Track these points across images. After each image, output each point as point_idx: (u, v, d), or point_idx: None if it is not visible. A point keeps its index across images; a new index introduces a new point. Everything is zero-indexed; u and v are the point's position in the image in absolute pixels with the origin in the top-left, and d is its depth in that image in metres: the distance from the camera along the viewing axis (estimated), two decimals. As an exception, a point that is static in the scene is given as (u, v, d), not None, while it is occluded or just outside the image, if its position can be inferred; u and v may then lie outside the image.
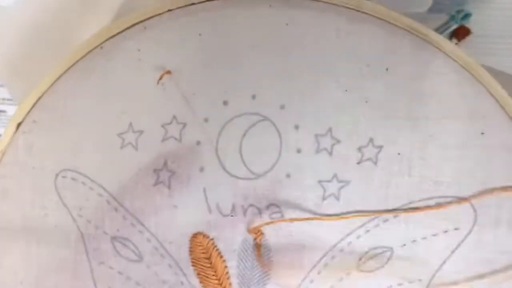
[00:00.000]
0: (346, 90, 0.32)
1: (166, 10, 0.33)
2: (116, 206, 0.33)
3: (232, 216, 0.33)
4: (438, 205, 0.32)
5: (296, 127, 0.33)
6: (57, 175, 0.34)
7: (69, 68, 0.34)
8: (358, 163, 0.33)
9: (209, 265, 0.34)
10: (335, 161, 0.33)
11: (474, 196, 0.32)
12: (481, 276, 0.32)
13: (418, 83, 0.32)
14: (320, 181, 0.33)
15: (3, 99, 0.42)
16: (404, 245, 0.33)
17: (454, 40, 0.40)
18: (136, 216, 0.33)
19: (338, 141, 0.33)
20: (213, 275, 0.33)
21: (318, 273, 0.33)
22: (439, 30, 0.40)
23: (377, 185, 0.33)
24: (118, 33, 0.33)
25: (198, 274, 0.34)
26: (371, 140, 0.32)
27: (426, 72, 0.32)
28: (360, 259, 0.33)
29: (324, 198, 0.33)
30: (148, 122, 0.33)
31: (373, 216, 0.33)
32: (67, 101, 0.34)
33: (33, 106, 0.34)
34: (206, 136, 0.33)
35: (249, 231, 0.33)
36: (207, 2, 0.33)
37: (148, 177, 0.33)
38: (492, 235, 0.32)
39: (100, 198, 0.34)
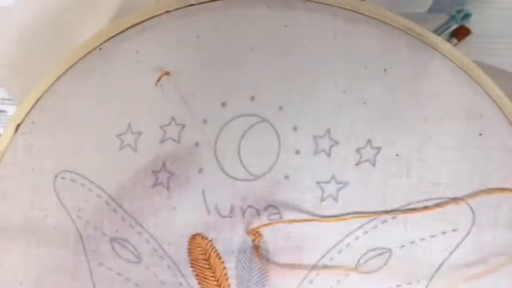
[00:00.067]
0: (344, 91, 0.32)
1: (165, 11, 0.33)
2: (115, 207, 0.33)
3: (230, 217, 0.33)
4: (436, 206, 0.32)
5: (295, 128, 0.33)
6: (56, 176, 0.34)
7: (68, 69, 0.34)
8: (357, 164, 0.33)
9: (207, 266, 0.34)
10: (333, 162, 0.33)
11: (472, 197, 0.32)
12: (479, 277, 0.33)
13: (416, 84, 0.32)
14: (318, 183, 0.33)
15: (3, 99, 0.42)
16: (403, 246, 0.33)
17: (454, 40, 0.40)
18: (135, 217, 0.33)
19: (337, 143, 0.33)
20: (212, 276, 0.33)
21: (317, 274, 0.33)
22: (439, 30, 0.40)
23: (375, 187, 0.33)
24: (117, 34, 0.33)
25: (197, 275, 0.34)
26: (369, 141, 0.32)
27: (423, 73, 0.32)
28: (358, 260, 0.33)
29: (322, 200, 0.33)
30: (146, 123, 0.33)
31: (371, 218, 0.33)
32: (66, 102, 0.34)
33: (32, 107, 0.34)
34: (204, 138, 0.33)
35: (248, 232, 0.33)
36: (205, 3, 0.33)
37: (146, 178, 0.33)
38: (490, 236, 0.33)
39: (99, 199, 0.34)
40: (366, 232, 0.33)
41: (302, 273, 0.33)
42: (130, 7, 0.39)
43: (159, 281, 0.34)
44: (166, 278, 0.34)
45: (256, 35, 0.32)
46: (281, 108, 0.33)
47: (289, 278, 0.33)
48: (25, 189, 0.34)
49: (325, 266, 0.33)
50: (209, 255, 0.33)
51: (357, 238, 0.33)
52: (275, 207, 0.33)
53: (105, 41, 0.33)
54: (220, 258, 0.33)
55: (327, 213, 0.33)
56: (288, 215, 0.33)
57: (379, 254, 0.33)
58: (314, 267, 0.33)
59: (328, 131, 0.33)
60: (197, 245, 0.34)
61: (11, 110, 0.43)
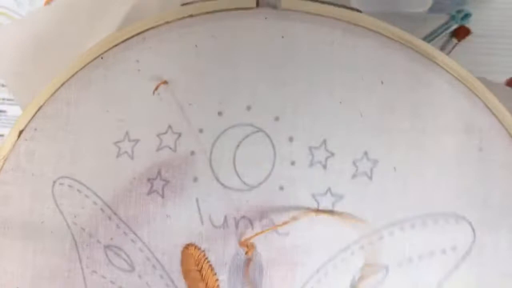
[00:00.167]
0: (340, 103, 0.32)
1: (165, 21, 0.33)
2: (110, 215, 0.34)
3: (224, 228, 0.33)
4: (435, 223, 0.31)
5: (290, 139, 0.32)
6: (54, 182, 0.34)
7: (70, 77, 0.35)
8: (353, 177, 0.32)
9: (200, 278, 0.33)
10: (329, 174, 0.32)
11: (472, 214, 0.31)
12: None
13: (413, 96, 0.32)
14: (313, 195, 0.32)
15: (3, 99, 0.43)
16: (400, 263, 0.32)
17: (454, 40, 0.40)
18: (129, 225, 0.33)
19: (333, 154, 0.32)
20: (204, 288, 0.33)
21: (311, 289, 0.32)
22: (439, 30, 0.40)
23: (371, 201, 0.32)
24: (118, 43, 0.34)
25: (189, 286, 0.33)
26: (365, 153, 0.32)
27: (421, 85, 0.31)
28: (354, 276, 0.32)
29: (317, 213, 0.32)
30: (144, 131, 0.33)
31: (367, 233, 0.32)
32: (67, 109, 0.34)
33: (35, 114, 0.35)
34: (200, 147, 0.33)
35: (240, 244, 0.33)
36: (204, 14, 0.33)
37: (142, 185, 0.33)
38: (491, 255, 0.31)
39: (94, 206, 0.34)
40: (362, 247, 0.32)
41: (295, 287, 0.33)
42: (137, 17, 0.40)
43: (151, 291, 0.33)
44: (159, 288, 0.33)
45: (253, 45, 0.33)
46: (277, 119, 0.32)
47: (282, 292, 0.33)
48: (25, 195, 0.35)
49: (319, 281, 0.32)
50: (202, 266, 0.33)
51: (352, 253, 0.32)
52: (269, 219, 0.33)
53: (106, 51, 0.34)
54: (212, 269, 0.33)
55: (322, 227, 0.32)
56: (283, 227, 0.32)
57: (375, 271, 0.32)
58: (308, 281, 0.32)
59: (324, 142, 0.32)
60: (190, 256, 0.33)
61: (11, 110, 0.43)
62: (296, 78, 0.32)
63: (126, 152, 0.33)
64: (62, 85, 0.35)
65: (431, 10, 0.39)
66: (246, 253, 0.33)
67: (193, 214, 0.33)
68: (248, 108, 0.33)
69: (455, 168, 0.31)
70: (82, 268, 0.34)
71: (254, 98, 0.33)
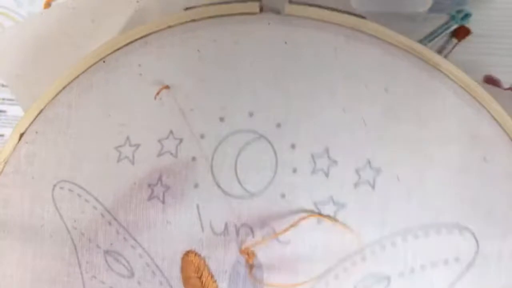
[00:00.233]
0: (344, 110, 0.32)
1: (167, 26, 0.33)
2: (110, 220, 0.33)
3: (224, 235, 0.33)
4: (437, 233, 0.31)
5: (293, 146, 0.32)
6: (54, 186, 0.34)
7: (72, 81, 0.34)
8: (355, 186, 0.32)
9: (200, 285, 0.33)
10: (331, 182, 0.32)
11: (476, 225, 0.31)
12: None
13: (418, 104, 0.31)
14: (315, 203, 0.32)
15: (3, 99, 0.43)
16: (402, 274, 0.32)
17: (454, 40, 0.39)
18: (129, 231, 0.33)
19: (335, 162, 0.32)
20: (203, 295, 0.33)
21: (312, 298, 0.32)
22: (439, 30, 0.39)
23: (374, 210, 0.32)
24: (120, 47, 0.34)
25: (189, 293, 0.33)
26: (368, 162, 0.32)
27: (425, 93, 0.31)
28: (355, 286, 0.32)
29: (319, 221, 0.32)
30: (145, 136, 0.33)
31: (369, 242, 0.32)
32: (68, 113, 0.34)
33: (36, 117, 0.35)
34: (201, 152, 0.33)
35: (241, 251, 0.32)
36: (207, 19, 0.33)
37: (142, 191, 0.33)
38: (494, 267, 0.31)
39: (94, 211, 0.33)
40: (364, 257, 0.32)
41: (296, 297, 0.32)
42: (139, 21, 0.39)
43: (150, 297, 0.33)
44: (158, 294, 0.33)
45: (255, 51, 0.32)
46: (279, 125, 0.32)
47: (282, 301, 0.32)
48: (25, 198, 0.35)
49: (320, 291, 0.32)
50: (202, 274, 0.33)
51: (354, 263, 0.32)
52: (270, 226, 0.32)
53: (108, 54, 0.34)
54: (212, 277, 0.33)
55: (324, 236, 0.32)
56: (284, 236, 0.32)
57: (377, 282, 0.32)
58: (308, 290, 0.32)
59: (327, 150, 0.32)
60: (190, 263, 0.33)
61: (11, 110, 0.43)
62: (298, 85, 0.32)
63: (127, 157, 0.33)
64: (63, 88, 0.34)
65: (431, 10, 0.38)
66: (247, 261, 0.32)
67: (193, 221, 0.33)
68: (250, 114, 0.32)
69: (459, 178, 0.31)
70: (81, 273, 0.34)
71: (256, 104, 0.32)
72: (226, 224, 0.32)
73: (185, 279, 0.33)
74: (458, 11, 0.39)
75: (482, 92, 0.30)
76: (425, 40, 0.40)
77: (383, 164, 0.31)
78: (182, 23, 0.33)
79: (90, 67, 0.34)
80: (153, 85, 0.33)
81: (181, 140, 0.33)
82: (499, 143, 0.31)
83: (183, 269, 0.33)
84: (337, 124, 0.32)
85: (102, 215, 0.33)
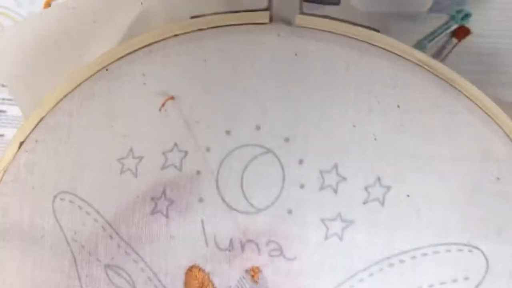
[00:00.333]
0: (354, 126, 0.31)
1: (173, 34, 0.32)
2: (111, 233, 0.32)
3: (229, 251, 0.32)
4: (447, 252, 0.30)
5: (300, 161, 0.31)
6: (55, 196, 0.33)
7: (74, 89, 0.33)
8: (364, 203, 0.31)
9: (203, 301, 0.32)
10: (340, 199, 0.31)
11: (487, 244, 0.30)
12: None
13: (430, 121, 0.30)
14: (323, 220, 0.31)
15: (3, 99, 0.42)
16: (410, 292, 0.31)
17: (454, 40, 0.39)
18: (131, 245, 0.32)
19: (344, 179, 0.31)
20: (207, 312, 0.32)
21: (318, 316, 0.32)
22: (439, 30, 0.39)
23: (383, 227, 0.31)
24: (124, 55, 0.33)
25: (192, 309, 0.32)
26: (378, 179, 0.31)
27: (438, 110, 0.30)
28: (362, 304, 0.31)
29: (326, 238, 0.31)
30: (149, 148, 0.32)
31: (377, 260, 0.31)
32: (70, 121, 0.33)
33: (36, 125, 0.34)
34: (207, 166, 0.32)
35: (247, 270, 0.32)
36: (214, 28, 0.32)
37: (145, 205, 0.32)
38: (504, 286, 0.30)
39: (95, 224, 0.33)
40: (372, 274, 0.31)
41: (301, 314, 0.32)
42: (143, 23, 0.38)
43: (152, 312, 0.33)
44: (161, 309, 0.33)
45: (264, 62, 0.31)
46: (287, 140, 0.31)
47: (288, 318, 0.32)
48: (25, 208, 0.34)
49: (326, 308, 0.31)
50: (206, 289, 0.32)
51: (361, 280, 0.31)
52: (276, 243, 0.32)
53: (112, 62, 0.33)
54: (216, 292, 0.32)
55: (331, 252, 0.31)
56: (290, 251, 0.31)
57: (384, 300, 0.31)
58: (314, 308, 0.31)
59: (336, 166, 0.31)
60: (194, 278, 0.32)
61: (11, 110, 0.42)
62: (308, 98, 0.31)
63: (129, 169, 0.32)
64: (65, 96, 0.33)
65: (431, 10, 0.38)
66: (252, 276, 0.32)
67: (197, 236, 0.32)
68: (258, 127, 0.31)
69: (470, 197, 0.30)
70: (81, 286, 0.33)
71: (264, 118, 0.31)
72: (231, 240, 0.32)
73: (189, 295, 0.32)
74: (458, 11, 0.39)
75: (497, 110, 0.30)
76: (425, 40, 0.39)
77: (393, 181, 0.31)
78: (188, 32, 0.32)
79: (92, 75, 0.33)
80: (158, 95, 0.32)
81: (186, 153, 0.32)
82: (513, 162, 0.30)
83: (187, 284, 0.32)
84: (347, 140, 0.31)
85: (103, 228, 0.33)
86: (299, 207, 0.31)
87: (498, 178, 0.30)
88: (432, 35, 0.39)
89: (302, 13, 0.31)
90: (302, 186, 0.31)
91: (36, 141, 0.34)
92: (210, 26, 0.32)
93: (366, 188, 0.31)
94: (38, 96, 0.38)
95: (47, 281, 0.33)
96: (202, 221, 0.32)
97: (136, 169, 0.32)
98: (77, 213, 0.33)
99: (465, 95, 0.30)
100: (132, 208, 0.32)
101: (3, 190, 0.34)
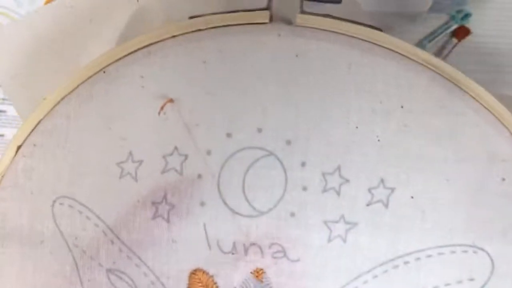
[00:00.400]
0: (357, 127, 0.30)
1: (171, 35, 0.31)
2: (112, 238, 0.32)
3: (232, 253, 0.32)
4: (452, 253, 0.30)
5: (303, 164, 0.31)
6: (54, 201, 0.33)
7: (71, 92, 0.33)
8: (368, 204, 0.31)
9: (207, 304, 0.32)
10: (343, 201, 0.31)
11: (492, 245, 0.30)
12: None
13: (435, 122, 0.30)
14: (326, 222, 0.31)
15: (3, 99, 0.42)
16: (415, 294, 0.31)
17: (454, 40, 0.39)
18: (133, 249, 0.32)
19: (347, 181, 0.31)
20: (211, 315, 0.32)
21: (322, 317, 0.31)
22: (439, 30, 0.39)
23: (387, 229, 0.31)
24: (122, 57, 0.32)
25: (196, 312, 0.32)
26: (382, 181, 0.30)
27: (443, 111, 0.30)
28: (366, 305, 0.31)
29: (330, 240, 0.31)
30: (148, 152, 0.32)
31: (382, 261, 0.31)
32: (67, 124, 0.33)
33: (33, 129, 0.33)
34: (208, 170, 0.31)
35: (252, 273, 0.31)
36: (214, 29, 0.31)
37: (146, 209, 0.32)
38: (509, 287, 0.30)
39: (96, 229, 0.32)
40: (376, 276, 0.31)
41: (305, 316, 0.31)
42: (141, 21, 0.38)
43: (156, 316, 0.32)
44: (164, 313, 0.32)
45: (265, 63, 0.31)
46: (288, 142, 0.31)
47: (292, 321, 0.31)
48: (24, 213, 0.33)
49: (330, 310, 0.31)
50: (209, 292, 0.32)
51: (365, 282, 0.31)
52: (280, 245, 0.31)
53: (109, 64, 0.32)
54: (220, 295, 0.32)
55: (334, 254, 0.31)
56: (293, 254, 0.31)
57: (388, 302, 0.31)
58: (318, 310, 0.31)
59: (339, 168, 0.31)
60: (198, 281, 0.32)
61: (11, 110, 0.42)
62: (310, 100, 0.30)
63: (129, 173, 0.32)
64: (62, 99, 0.33)
65: (431, 10, 0.38)
66: (256, 278, 0.32)
67: (200, 239, 0.32)
68: (259, 130, 0.31)
69: (475, 198, 0.30)
70: (83, 291, 0.33)
71: (265, 120, 0.31)
72: (234, 243, 0.31)
73: (192, 298, 0.32)
74: (458, 11, 0.39)
75: (503, 110, 0.29)
76: (425, 40, 0.39)
77: (397, 183, 0.30)
78: (187, 33, 0.31)
79: (90, 77, 0.32)
80: (156, 98, 0.31)
81: (186, 157, 0.31)
82: (519, 163, 0.29)
83: (191, 287, 0.32)
84: (349, 141, 0.30)
85: (104, 233, 0.32)
86: (301, 210, 0.31)
87: (504, 179, 0.30)
88: (432, 35, 0.39)
89: (302, 12, 0.31)
90: (304, 189, 0.31)
91: (34, 145, 0.33)
92: (209, 26, 0.31)
93: (369, 190, 0.30)
94: (34, 96, 0.38)
95: (48, 286, 0.33)
96: (204, 225, 0.31)
97: (136, 173, 0.32)
98: (77, 218, 0.32)
99: (470, 95, 0.30)
100: (133, 213, 0.32)
101: (2, 196, 0.33)
